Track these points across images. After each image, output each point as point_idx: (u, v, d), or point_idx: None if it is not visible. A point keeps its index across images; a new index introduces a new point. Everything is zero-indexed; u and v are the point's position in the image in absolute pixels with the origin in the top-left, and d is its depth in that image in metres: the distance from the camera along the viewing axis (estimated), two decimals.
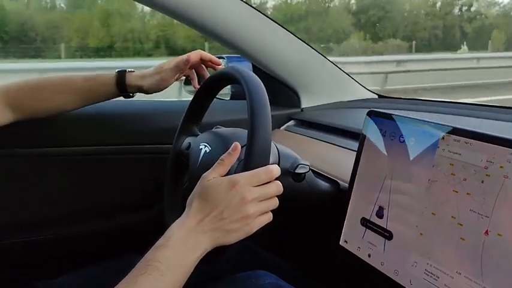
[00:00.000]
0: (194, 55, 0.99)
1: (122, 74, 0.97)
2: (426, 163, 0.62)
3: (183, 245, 0.59)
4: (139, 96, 1.03)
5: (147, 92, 0.98)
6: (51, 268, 0.88)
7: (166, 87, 0.99)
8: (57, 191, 1.09)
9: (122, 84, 0.96)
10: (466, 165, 0.57)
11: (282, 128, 1.25)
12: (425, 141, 0.63)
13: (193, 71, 1.03)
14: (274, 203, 0.65)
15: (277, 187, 0.65)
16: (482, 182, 0.54)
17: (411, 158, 0.65)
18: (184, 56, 0.97)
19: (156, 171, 1.09)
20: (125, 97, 1.00)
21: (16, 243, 1.05)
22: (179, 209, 0.87)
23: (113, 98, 1.00)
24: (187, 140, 0.89)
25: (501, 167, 0.53)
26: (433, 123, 0.63)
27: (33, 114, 0.95)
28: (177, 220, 0.63)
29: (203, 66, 1.02)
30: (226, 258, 0.81)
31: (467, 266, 0.55)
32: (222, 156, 0.67)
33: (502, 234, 0.52)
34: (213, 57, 1.02)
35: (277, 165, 0.67)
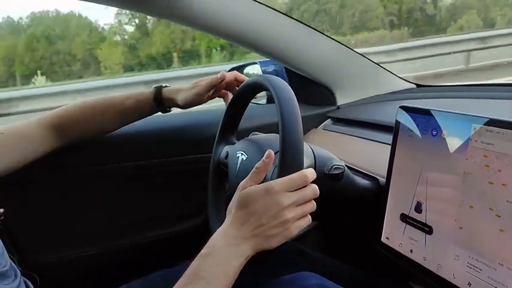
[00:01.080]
0: (229, 74, 1.01)
1: (158, 90, 1.01)
2: (460, 156, 0.62)
3: (225, 252, 0.62)
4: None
5: (182, 106, 1.01)
6: (109, 281, 0.94)
7: (201, 103, 1.01)
8: (111, 206, 1.16)
9: (159, 99, 1.00)
10: (499, 156, 0.56)
11: (320, 127, 1.26)
12: (458, 134, 0.63)
13: (228, 93, 1.04)
14: (312, 206, 0.67)
15: (313, 191, 0.67)
16: None
17: (445, 151, 0.64)
18: (219, 74, 1.00)
19: (201, 180, 1.13)
20: (162, 112, 1.04)
21: (77, 257, 1.13)
22: (223, 217, 0.91)
23: (151, 114, 1.04)
24: (226, 148, 0.92)
25: None
26: (465, 114, 0.62)
27: (78, 138, 1.00)
28: (219, 229, 0.66)
29: (237, 88, 1.03)
30: (272, 259, 0.83)
31: (509, 257, 0.54)
32: (257, 164, 0.69)
33: None
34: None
35: (311, 169, 0.68)
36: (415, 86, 1.34)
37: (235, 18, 1.05)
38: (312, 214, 0.68)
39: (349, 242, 1.06)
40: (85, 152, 1.09)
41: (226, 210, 0.94)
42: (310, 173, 0.67)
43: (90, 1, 0.94)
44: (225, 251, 0.63)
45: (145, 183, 1.18)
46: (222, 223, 0.88)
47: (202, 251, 0.63)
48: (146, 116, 1.05)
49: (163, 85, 1.03)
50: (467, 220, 0.60)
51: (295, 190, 0.65)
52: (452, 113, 0.64)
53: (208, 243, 0.64)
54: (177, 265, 1.04)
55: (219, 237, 0.64)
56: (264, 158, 0.68)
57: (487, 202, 0.57)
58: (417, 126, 0.70)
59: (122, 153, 1.13)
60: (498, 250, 0.56)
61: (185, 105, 1.01)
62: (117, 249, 1.15)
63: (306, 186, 0.66)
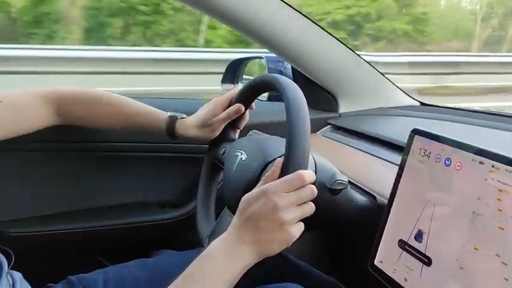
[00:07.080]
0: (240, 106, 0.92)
1: (173, 121, 0.95)
2: (472, 193, 0.59)
3: (225, 257, 0.60)
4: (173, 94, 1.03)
5: (194, 139, 0.95)
6: (84, 263, 0.90)
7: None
8: (94, 186, 1.12)
9: (171, 131, 0.95)
10: None
11: (319, 133, 1.23)
12: (472, 169, 0.60)
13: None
14: (311, 207, 0.64)
15: (312, 191, 0.64)
16: None
17: (456, 185, 0.62)
18: (235, 107, 0.89)
19: (189, 171, 1.09)
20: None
21: (49, 236, 1.08)
22: (211, 214, 0.88)
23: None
24: (223, 144, 0.89)
25: None
26: (483, 150, 0.60)
27: (72, 122, 0.96)
28: (221, 235, 0.64)
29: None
30: (264, 270, 0.80)
31: None
32: (266, 173, 0.66)
33: None
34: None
35: (310, 171, 0.65)
36: (418, 103, 1.32)
37: (248, 7, 1.00)
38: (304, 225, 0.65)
39: (338, 257, 1.04)
40: (71, 130, 1.04)
41: (214, 205, 0.91)
42: (308, 175, 0.63)
43: None
44: (224, 255, 0.61)
45: (131, 168, 1.14)
46: (209, 217, 0.85)
47: (202, 255, 0.61)
48: None
49: (180, 116, 0.96)
50: (469, 261, 0.58)
51: (292, 191, 0.62)
52: (470, 145, 0.61)
53: (208, 248, 0.62)
54: (154, 254, 1.00)
55: (219, 242, 0.63)
56: (273, 168, 0.66)
57: (495, 247, 0.55)
58: (430, 152, 0.67)
59: (108, 135, 1.09)
60: None
61: (198, 139, 0.95)
62: (95, 232, 1.11)
63: (303, 187, 0.63)
